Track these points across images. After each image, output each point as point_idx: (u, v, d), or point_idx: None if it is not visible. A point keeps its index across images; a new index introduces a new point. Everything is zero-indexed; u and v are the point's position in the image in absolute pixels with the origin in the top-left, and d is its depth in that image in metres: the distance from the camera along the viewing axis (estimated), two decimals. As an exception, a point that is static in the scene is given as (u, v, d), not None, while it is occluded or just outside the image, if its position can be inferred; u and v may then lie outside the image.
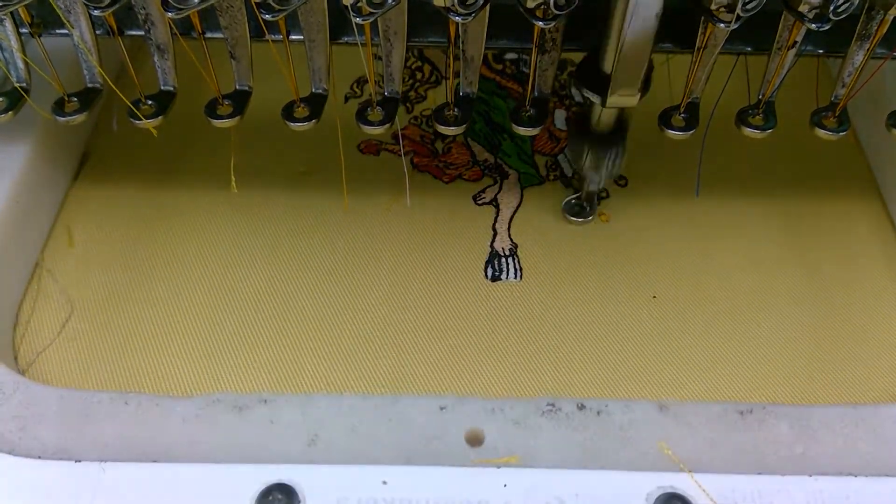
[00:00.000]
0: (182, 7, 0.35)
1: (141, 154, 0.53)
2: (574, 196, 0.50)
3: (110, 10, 0.36)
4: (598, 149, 0.45)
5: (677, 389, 0.40)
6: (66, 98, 0.42)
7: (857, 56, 0.39)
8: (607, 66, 0.39)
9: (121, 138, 0.53)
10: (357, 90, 0.57)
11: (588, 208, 0.49)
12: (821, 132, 0.41)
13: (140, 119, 0.41)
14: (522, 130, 0.43)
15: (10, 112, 0.42)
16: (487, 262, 0.47)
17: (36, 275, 0.46)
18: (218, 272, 0.46)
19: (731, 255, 0.47)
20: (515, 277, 0.46)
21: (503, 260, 0.47)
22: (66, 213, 0.49)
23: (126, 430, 0.35)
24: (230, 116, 0.42)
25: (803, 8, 0.35)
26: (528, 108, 0.43)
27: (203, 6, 0.35)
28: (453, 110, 0.42)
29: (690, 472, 0.32)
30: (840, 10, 0.35)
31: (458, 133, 0.43)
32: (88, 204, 0.50)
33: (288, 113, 0.42)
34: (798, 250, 0.48)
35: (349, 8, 0.35)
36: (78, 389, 0.37)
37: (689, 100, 0.42)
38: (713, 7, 0.35)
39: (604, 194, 0.51)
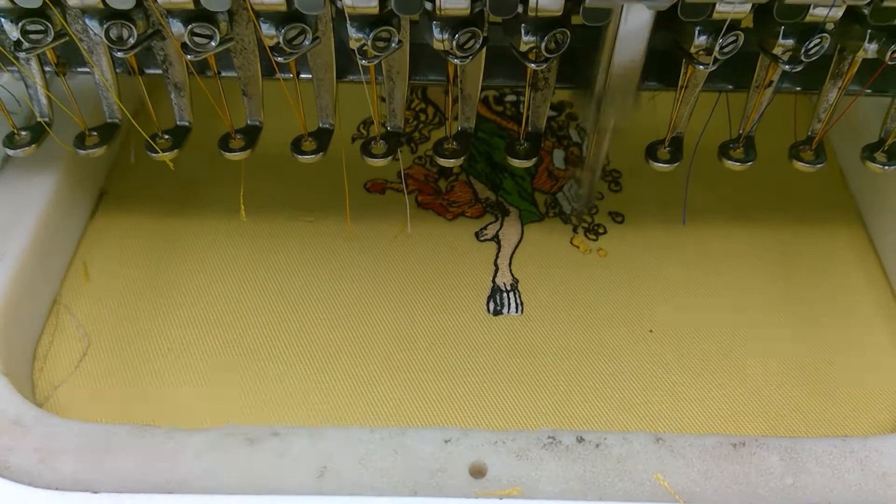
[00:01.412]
0: (200, 50, 0.37)
1: (156, 190, 0.55)
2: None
3: (132, 53, 0.38)
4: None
5: (673, 422, 0.42)
6: (87, 132, 0.44)
7: (832, 93, 0.42)
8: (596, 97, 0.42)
9: (137, 175, 0.55)
10: (363, 131, 0.60)
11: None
12: (799, 165, 0.44)
13: (157, 152, 0.43)
14: (517, 163, 0.45)
15: (33, 145, 0.44)
16: (489, 297, 0.49)
17: (53, 310, 0.48)
18: (229, 305, 0.48)
19: (724, 287, 0.49)
20: (516, 311, 0.48)
21: (505, 295, 0.49)
22: (82, 248, 0.51)
23: (142, 463, 0.36)
24: (242, 150, 0.44)
25: (777, 50, 0.37)
26: (522, 142, 0.45)
27: (219, 49, 0.38)
28: (452, 144, 0.44)
29: (685, 502, 0.34)
30: (811, 52, 0.37)
31: (457, 164, 0.45)
32: (104, 240, 0.52)
33: (296, 147, 0.44)
34: (787, 281, 0.49)
35: (356, 51, 0.37)
36: (96, 423, 0.38)
37: (674, 134, 0.44)
38: (693, 50, 0.37)
39: (602, 230, 0.53)
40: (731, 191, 0.54)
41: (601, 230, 0.53)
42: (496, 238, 0.52)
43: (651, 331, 0.47)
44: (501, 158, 0.58)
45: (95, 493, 0.35)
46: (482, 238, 0.52)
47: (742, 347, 0.46)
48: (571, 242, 0.52)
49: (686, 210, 0.53)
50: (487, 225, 0.53)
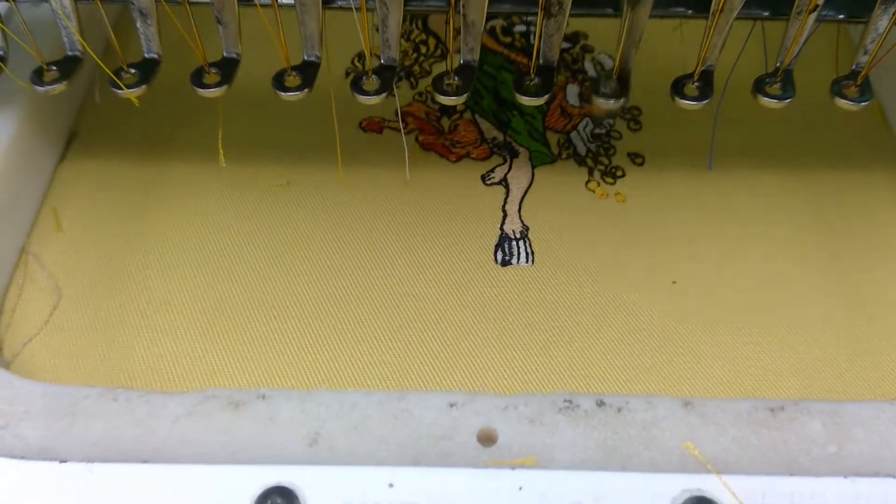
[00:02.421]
0: None
1: (129, 131, 0.50)
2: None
3: None
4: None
5: (699, 382, 0.38)
6: (45, 67, 0.40)
7: (882, 21, 0.37)
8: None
9: (109, 116, 0.51)
10: (358, 65, 0.55)
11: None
12: (842, 102, 0.39)
13: (122, 88, 0.39)
14: (526, 100, 0.40)
15: None
16: (497, 246, 0.45)
17: (22, 261, 0.44)
18: (212, 258, 0.44)
19: (752, 237, 0.45)
20: (527, 262, 0.44)
21: (514, 243, 0.45)
22: (52, 195, 0.47)
23: (114, 429, 0.32)
24: (217, 86, 0.39)
25: None
26: (532, 76, 0.40)
27: None
28: (453, 79, 0.40)
29: (718, 473, 0.30)
30: None
31: (459, 103, 0.40)
32: (76, 185, 0.48)
33: (279, 82, 0.39)
34: (822, 230, 0.45)
35: None
36: (64, 385, 0.34)
37: (703, 68, 0.39)
38: None
39: (620, 173, 0.48)
40: (760, 131, 0.50)
41: (619, 173, 0.48)
42: (504, 182, 0.48)
43: (674, 282, 0.43)
44: (509, 94, 0.53)
45: (63, 461, 0.32)
46: (489, 182, 0.48)
47: (771, 302, 0.42)
48: (586, 186, 0.48)
49: (713, 154, 0.48)
50: (495, 167, 0.49)
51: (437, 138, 0.50)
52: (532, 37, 0.56)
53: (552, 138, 0.50)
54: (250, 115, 0.50)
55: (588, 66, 0.55)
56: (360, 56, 0.55)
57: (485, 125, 0.51)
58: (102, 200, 0.47)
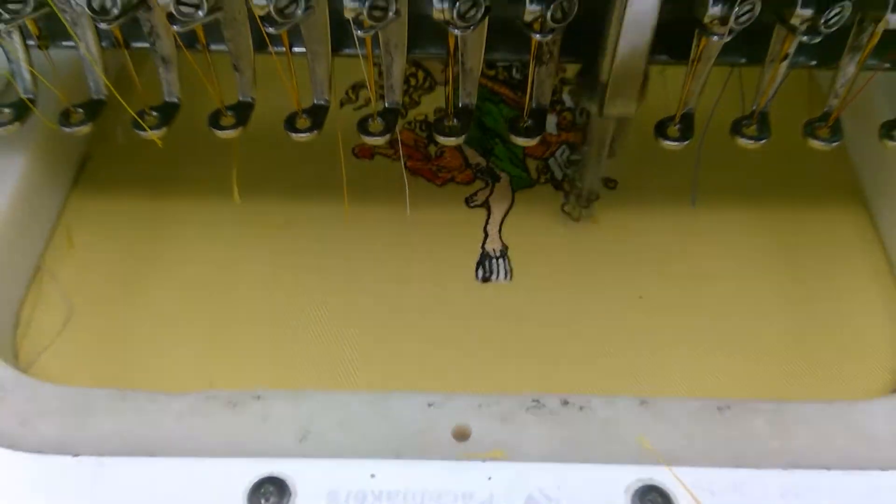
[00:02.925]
0: (187, 20, 0.36)
1: (141, 161, 0.54)
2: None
3: (117, 24, 0.37)
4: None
5: (659, 388, 0.41)
6: (72, 109, 0.43)
7: (849, 67, 0.40)
8: (603, 76, 0.40)
9: (121, 144, 0.54)
10: (352, 96, 0.59)
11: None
12: (814, 143, 0.42)
13: (145, 130, 0.42)
14: (521, 141, 0.43)
15: (16, 122, 0.43)
16: (478, 264, 0.48)
17: (37, 277, 0.47)
18: (213, 275, 0.47)
19: (718, 259, 0.48)
20: (505, 278, 0.47)
21: (494, 261, 0.48)
22: (66, 216, 0.51)
23: (123, 426, 0.36)
24: (233, 127, 0.42)
25: (795, 20, 0.36)
26: (526, 118, 0.43)
27: (208, 20, 0.36)
28: (452, 121, 0.43)
29: (669, 465, 0.33)
30: (831, 22, 0.35)
31: (458, 143, 0.43)
32: (89, 208, 0.51)
33: (290, 124, 0.42)
34: (783, 256, 0.48)
35: (351, 21, 0.36)
36: (77, 387, 0.37)
37: (685, 110, 0.42)
38: (706, 20, 0.36)
39: (594, 196, 0.52)
40: (730, 167, 0.53)
41: (593, 196, 0.52)
42: (486, 204, 0.52)
43: (641, 297, 0.46)
44: (493, 123, 0.57)
45: (76, 455, 0.35)
46: (472, 204, 0.52)
47: (732, 316, 0.45)
48: (563, 209, 0.51)
49: (707, 190, 0.51)
50: (477, 191, 0.53)
51: (424, 164, 0.54)
52: (514, 70, 0.60)
53: (531, 164, 0.54)
54: (256, 151, 0.53)
55: (565, 97, 0.59)
56: (355, 87, 0.59)
57: (469, 152, 0.55)
58: (113, 221, 0.50)
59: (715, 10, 0.35)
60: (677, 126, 0.42)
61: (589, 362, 0.43)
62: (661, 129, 0.43)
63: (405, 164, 0.54)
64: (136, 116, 0.42)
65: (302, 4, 0.36)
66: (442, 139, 0.43)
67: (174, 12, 0.35)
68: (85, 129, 0.43)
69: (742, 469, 0.34)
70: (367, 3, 0.35)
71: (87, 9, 0.36)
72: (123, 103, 0.42)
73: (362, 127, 0.42)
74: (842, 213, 0.51)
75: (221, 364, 0.43)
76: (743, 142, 0.42)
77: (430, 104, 0.58)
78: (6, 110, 0.43)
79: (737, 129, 0.42)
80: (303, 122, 0.43)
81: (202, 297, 0.46)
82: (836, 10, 0.35)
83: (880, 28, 0.36)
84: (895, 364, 0.43)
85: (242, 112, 0.43)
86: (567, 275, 0.47)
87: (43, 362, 0.43)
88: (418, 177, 0.53)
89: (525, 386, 0.41)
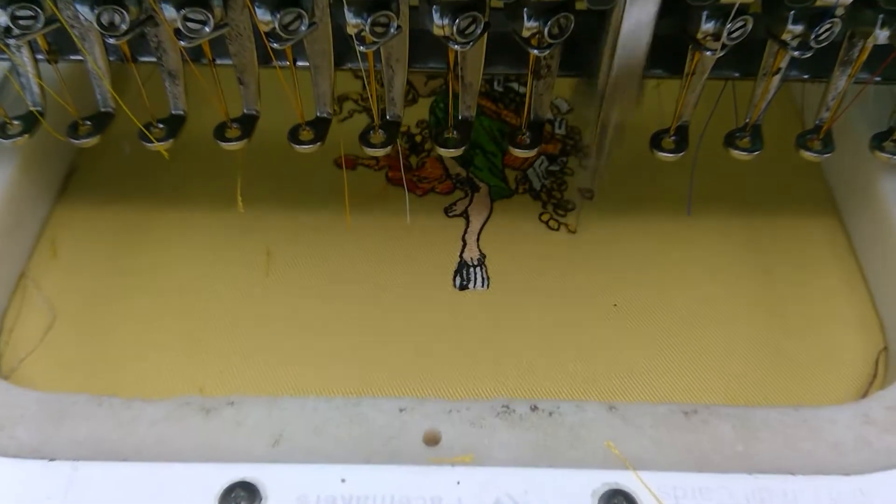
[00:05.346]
0: (194, 36, 0.36)
1: (124, 167, 0.54)
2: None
3: (125, 39, 0.37)
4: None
5: (630, 394, 0.42)
6: (81, 122, 0.44)
7: (840, 81, 0.41)
8: (600, 88, 0.41)
9: (105, 152, 0.55)
10: (336, 108, 0.59)
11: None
12: (806, 154, 0.43)
13: (151, 142, 0.43)
14: (519, 153, 0.44)
15: (25, 135, 0.43)
16: (456, 272, 0.49)
17: (20, 285, 0.48)
18: (192, 282, 0.48)
19: (692, 267, 0.49)
20: (483, 286, 0.48)
21: (471, 270, 0.49)
22: (51, 226, 0.51)
23: (98, 431, 0.36)
24: (238, 139, 0.43)
25: (786, 36, 0.37)
26: (524, 131, 0.44)
27: (214, 35, 0.37)
28: (452, 133, 0.44)
29: (635, 469, 0.34)
30: (821, 38, 0.36)
31: (458, 154, 0.44)
32: (73, 218, 0.52)
33: (293, 136, 0.43)
34: (755, 263, 0.49)
35: (353, 37, 0.36)
36: (54, 392, 0.38)
37: (679, 123, 0.43)
38: (700, 36, 0.37)
39: (571, 206, 0.53)
40: (705, 176, 0.53)
41: (570, 206, 0.53)
42: (465, 214, 0.52)
43: (615, 305, 0.47)
44: (474, 135, 0.57)
45: (52, 460, 0.35)
46: (451, 214, 0.52)
47: (704, 323, 0.46)
48: (540, 218, 0.52)
49: (684, 199, 0.52)
50: (457, 201, 0.53)
51: (405, 174, 0.55)
52: (495, 83, 0.61)
53: (510, 175, 0.55)
54: (258, 164, 0.53)
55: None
56: (339, 99, 0.60)
57: (449, 162, 0.56)
58: (96, 230, 0.51)
59: (708, 27, 0.36)
60: (672, 138, 0.43)
61: (562, 369, 0.43)
62: (656, 142, 0.43)
63: (387, 174, 0.55)
64: (142, 128, 0.43)
65: (306, 20, 0.37)
66: (443, 151, 0.43)
67: (181, 28, 0.36)
68: (93, 141, 0.43)
69: (707, 473, 0.34)
70: (369, 19, 0.35)
71: (95, 24, 0.36)
72: (132, 116, 0.42)
73: (364, 139, 0.43)
74: (814, 221, 0.51)
75: (202, 371, 0.43)
76: (737, 154, 0.43)
77: (413, 116, 0.59)
78: (16, 122, 0.44)
79: (730, 141, 0.43)
80: (306, 133, 0.43)
81: (184, 305, 0.47)
82: (827, 25, 0.36)
83: (869, 43, 0.37)
84: (865, 371, 0.43)
85: (247, 124, 0.44)
86: (543, 283, 0.48)
87: (25, 369, 0.44)
88: (399, 187, 0.54)
89: (499, 392, 0.42)
